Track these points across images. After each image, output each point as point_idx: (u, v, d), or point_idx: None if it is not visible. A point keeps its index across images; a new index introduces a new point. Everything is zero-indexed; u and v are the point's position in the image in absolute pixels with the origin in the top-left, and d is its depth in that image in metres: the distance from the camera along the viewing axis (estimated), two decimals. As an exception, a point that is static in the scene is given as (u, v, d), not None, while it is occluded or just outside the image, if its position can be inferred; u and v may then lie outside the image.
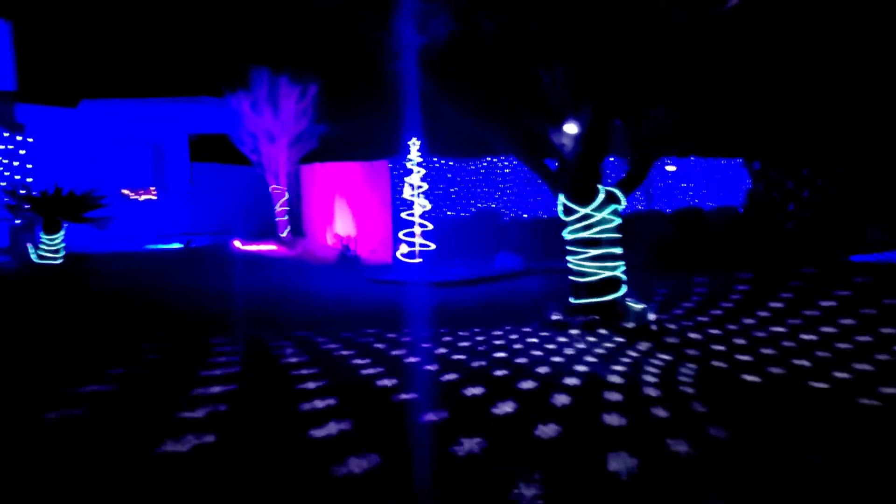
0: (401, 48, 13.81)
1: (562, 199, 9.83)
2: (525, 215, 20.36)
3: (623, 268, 9.88)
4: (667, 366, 7.91)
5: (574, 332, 9.38)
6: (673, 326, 10.01)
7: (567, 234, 9.90)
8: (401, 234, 16.59)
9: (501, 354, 7.82)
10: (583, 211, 9.60)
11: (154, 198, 26.14)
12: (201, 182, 26.98)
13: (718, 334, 9.74)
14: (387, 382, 6.20)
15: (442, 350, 8.03)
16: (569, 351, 8.23)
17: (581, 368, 7.33)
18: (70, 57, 24.56)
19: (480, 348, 8.21)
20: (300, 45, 21.60)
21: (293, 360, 7.15)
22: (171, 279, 15.40)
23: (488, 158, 19.86)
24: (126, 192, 25.59)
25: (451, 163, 18.97)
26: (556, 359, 7.74)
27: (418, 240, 16.47)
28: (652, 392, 6.66)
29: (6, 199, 17.66)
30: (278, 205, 26.08)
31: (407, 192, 16.38)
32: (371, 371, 6.75)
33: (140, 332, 9.15)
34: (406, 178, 16.55)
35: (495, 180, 19.94)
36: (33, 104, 20.85)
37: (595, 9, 8.69)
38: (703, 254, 15.93)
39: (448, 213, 18.43)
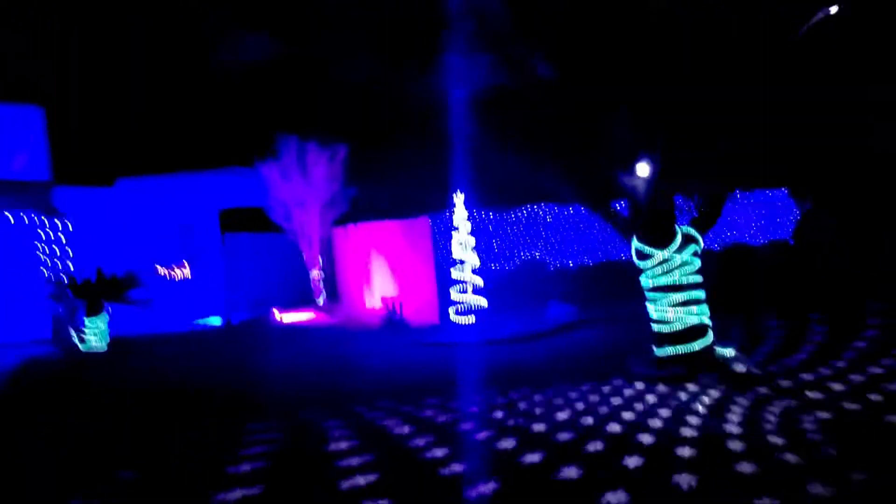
0: (442, 100, 13.66)
1: (636, 243, 9.35)
2: (571, 263, 19.87)
3: (708, 313, 9.31)
4: (784, 413, 7.30)
5: (663, 387, 8.77)
6: (761, 371, 9.37)
7: (645, 281, 9.38)
8: (452, 293, 16.13)
9: (589, 421, 7.26)
10: (661, 255, 9.10)
11: (188, 276, 26.05)
12: (235, 253, 26.89)
13: (813, 378, 9.08)
14: (456, 468, 5.75)
15: (517, 420, 7.51)
16: (666, 410, 7.62)
17: (690, 429, 6.75)
18: (104, 135, 24.90)
19: (561, 415, 7.65)
20: (330, 107, 21.71)
21: (343, 445, 6.72)
22: (212, 359, 15.05)
23: (528, 207, 19.51)
24: (162, 269, 25.56)
25: (490, 214, 18.63)
26: (657, 422, 7.15)
27: (470, 297, 15.97)
28: (778, 440, 6.23)
29: (50, 289, 17.57)
30: (313, 271, 25.88)
31: (456, 249, 15.98)
32: (438, 454, 6.26)
33: (178, 423, 8.74)
34: (453, 234, 16.17)
35: (537, 229, 19.55)
36: (70, 186, 20.99)
37: (661, 43, 8.38)
38: (756, 293, 15.36)
39: (493, 266, 17.99)
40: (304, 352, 15.49)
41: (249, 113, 24.64)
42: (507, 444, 6.61)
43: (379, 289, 21.14)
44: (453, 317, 16.10)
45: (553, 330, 15.33)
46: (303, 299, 25.95)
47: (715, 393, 8.34)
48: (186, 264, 25.97)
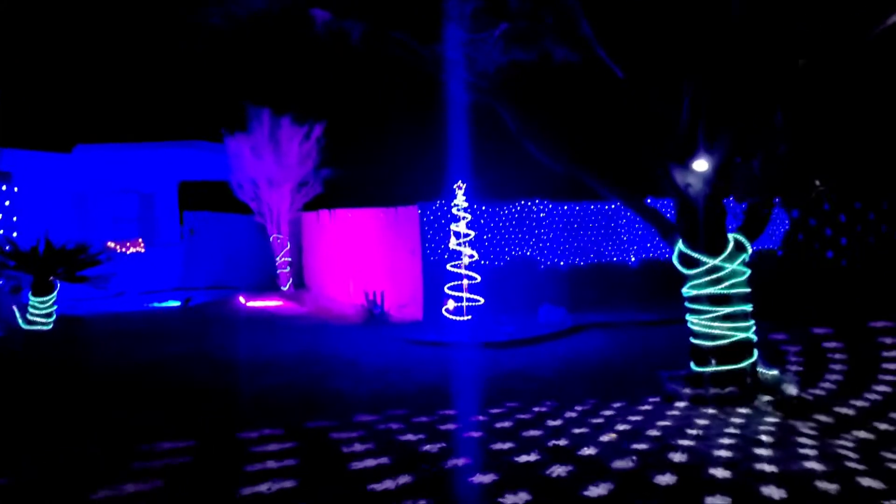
0: (441, 76, 12.60)
1: (682, 247, 8.51)
2: (562, 263, 19.06)
3: (754, 328, 8.54)
4: (862, 447, 6.56)
5: (711, 410, 7.96)
6: (805, 394, 8.67)
7: (690, 290, 8.54)
8: (446, 289, 15.12)
9: (643, 447, 6.37)
10: (711, 262, 8.27)
11: (142, 250, 24.42)
12: (196, 232, 25.35)
13: (866, 405, 8.42)
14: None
15: (558, 441, 6.58)
16: (728, 439, 6.79)
17: (766, 464, 5.92)
18: (64, 99, 23.11)
19: (603, 437, 6.75)
20: (308, 78, 20.40)
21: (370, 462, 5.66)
22: (171, 345, 13.74)
23: (522, 202, 18.62)
24: (112, 244, 23.88)
25: (483, 207, 17.67)
26: (723, 452, 6.30)
27: (465, 294, 15.00)
28: (872, 483, 5.54)
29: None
30: (280, 256, 24.57)
31: (452, 242, 14.97)
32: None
33: (138, 425, 7.54)
34: (452, 226, 15.16)
35: (530, 225, 18.68)
36: (21, 149, 19.26)
37: (736, 29, 7.52)
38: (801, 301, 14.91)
39: (482, 262, 17.05)
40: (275, 342, 14.30)
41: (219, 82, 23.13)
42: (560, 470, 5.67)
43: (357, 280, 20.01)
44: (446, 314, 15.10)
45: (551, 335, 14.48)
46: (268, 285, 24.63)
47: (772, 419, 7.56)
48: (140, 240, 24.36)
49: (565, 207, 19.31)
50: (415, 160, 18.16)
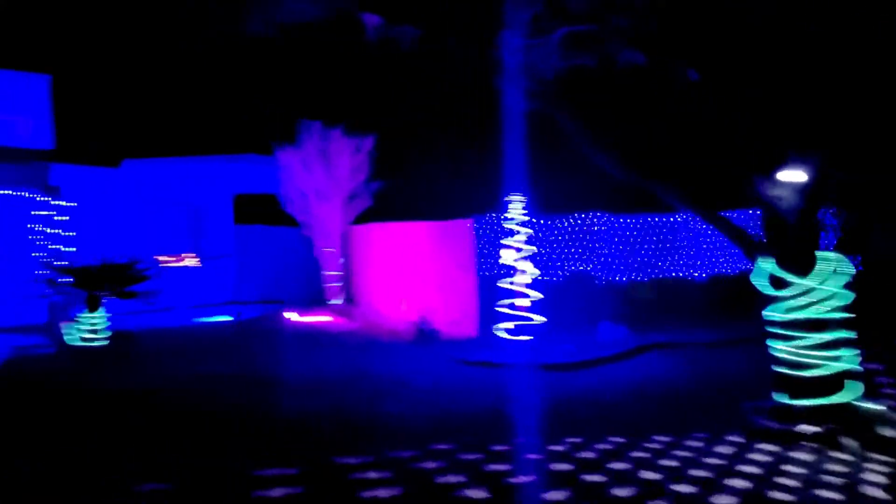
0: (495, 82, 11.98)
1: (770, 266, 7.67)
2: (622, 279, 18.19)
3: (858, 358, 7.64)
4: None
5: (806, 452, 7.09)
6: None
7: (777, 313, 7.69)
8: (502, 307, 14.44)
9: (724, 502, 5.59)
10: (805, 283, 7.42)
11: (196, 264, 24.40)
12: (246, 246, 25.27)
13: None
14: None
15: (626, 493, 5.82)
16: (831, 493, 5.94)
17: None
18: (113, 113, 23.30)
19: (680, 487, 5.97)
20: (359, 89, 20.05)
21: None
22: (220, 363, 13.41)
23: (577, 215, 17.86)
24: (164, 258, 23.91)
25: (537, 220, 16.95)
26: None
27: (523, 312, 14.29)
28: None
29: (46, 273, 15.91)
30: (329, 270, 24.25)
31: (509, 257, 14.28)
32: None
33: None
34: (507, 240, 14.48)
35: (586, 239, 17.89)
36: (73, 164, 19.35)
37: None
38: None
39: (537, 277, 16.32)
40: (323, 361, 13.85)
41: (269, 95, 23.00)
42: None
43: (407, 296, 19.49)
44: (500, 333, 14.41)
45: (615, 356, 13.65)
46: (317, 300, 24.29)
47: (885, 467, 6.65)
48: (192, 254, 24.35)
49: (623, 220, 18.46)
50: (467, 172, 17.59)
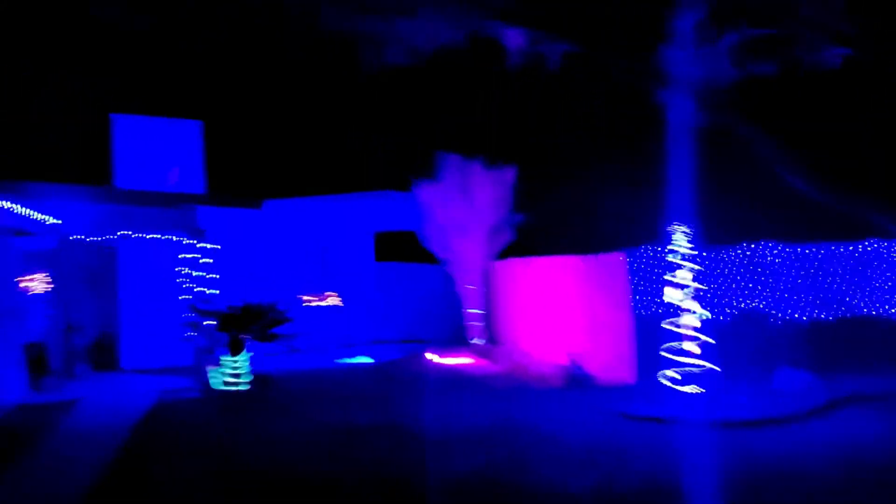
0: (667, 100, 10.70)
1: None
2: (803, 317, 15.97)
3: None
4: None
5: None
6: None
7: None
8: (665, 351, 12.91)
9: None
10: None
11: (337, 303, 24.44)
12: (387, 284, 25.08)
13: None
14: None
15: None
16: None
17: None
18: (255, 155, 24.06)
19: None
20: (500, 117, 19.30)
21: None
22: (360, 411, 12.81)
23: (747, 245, 15.96)
24: (307, 297, 24.12)
25: (700, 252, 15.23)
26: None
27: (691, 358, 12.68)
28: None
29: (192, 316, 16.21)
30: (472, 308, 23.43)
31: (673, 295, 12.78)
32: None
33: None
34: (669, 276, 13.00)
35: (758, 272, 15.90)
36: (218, 206, 19.91)
37: None
38: None
39: (703, 317, 14.57)
40: (466, 409, 12.92)
41: (407, 129, 22.80)
42: None
43: (555, 336, 18.27)
44: (663, 381, 12.85)
45: (809, 413, 11.70)
46: (459, 339, 23.51)
47: None
48: (333, 293, 24.40)
49: (803, 250, 16.30)
50: (620, 200, 16.23)
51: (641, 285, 15.13)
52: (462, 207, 22.77)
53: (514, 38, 11.04)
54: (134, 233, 18.57)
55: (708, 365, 12.56)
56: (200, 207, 19.15)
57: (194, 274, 17.70)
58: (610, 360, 15.61)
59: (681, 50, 9.63)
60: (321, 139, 24.65)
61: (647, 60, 9.26)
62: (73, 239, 17.94)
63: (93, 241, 18.45)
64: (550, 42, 9.75)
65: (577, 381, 15.37)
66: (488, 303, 24.16)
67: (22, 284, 18.92)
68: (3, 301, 14.05)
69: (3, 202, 12.92)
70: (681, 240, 12.82)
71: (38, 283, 18.61)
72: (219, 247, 17.70)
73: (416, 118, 21.71)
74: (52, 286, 18.91)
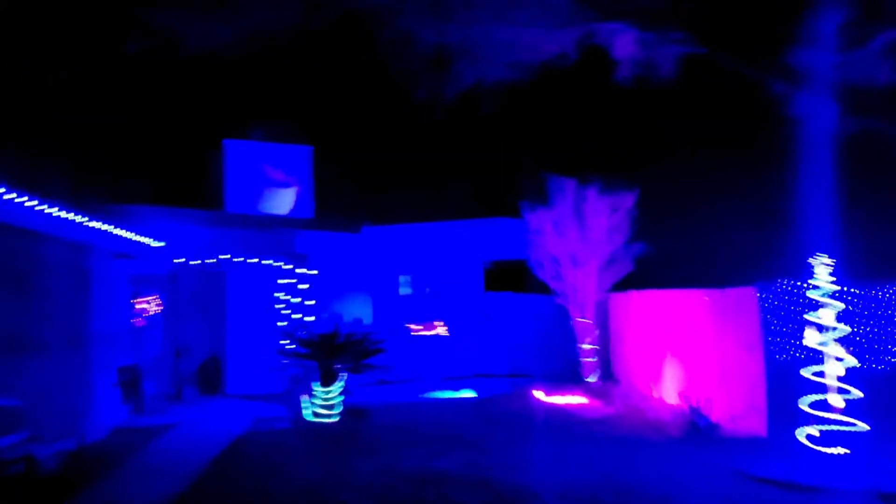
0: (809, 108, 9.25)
1: None
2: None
3: None
4: None
5: None
6: None
7: None
8: (804, 405, 11.17)
9: None
10: None
11: (443, 333, 23.75)
12: (495, 315, 24.14)
13: None
14: None
15: None
16: None
17: None
18: (356, 178, 23.98)
19: None
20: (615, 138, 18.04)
21: None
22: (448, 454, 11.89)
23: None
24: (414, 327, 23.59)
25: (849, 288, 13.28)
26: None
27: (837, 413, 10.89)
28: None
29: (287, 343, 15.96)
30: (584, 343, 22.02)
31: (813, 338, 11.07)
32: None
33: None
34: (809, 315, 11.30)
35: (921, 313, 13.70)
36: (314, 230, 19.78)
37: None
38: None
39: (853, 365, 12.62)
40: (571, 460, 11.69)
41: (517, 152, 21.90)
42: None
43: (675, 377, 16.66)
44: (802, 439, 11.10)
45: None
46: (570, 376, 22.15)
47: None
48: (439, 323, 23.75)
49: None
50: (751, 227, 14.57)
51: (776, 325, 13.36)
52: (576, 235, 21.55)
53: (625, 46, 9.99)
54: (242, 257, 18.70)
55: (856, 422, 10.71)
56: (299, 232, 19.07)
57: (292, 300, 17.53)
58: (737, 409, 13.88)
59: (824, 52, 8.28)
60: (425, 163, 24.25)
61: (780, 61, 7.97)
62: (185, 263, 18.26)
63: (203, 264, 18.73)
64: (664, 43, 8.62)
65: (698, 429, 13.76)
66: (603, 338, 22.67)
67: (137, 307, 19.51)
68: (99, 324, 14.25)
69: (105, 225, 13.07)
70: (823, 274, 11.09)
71: (149, 306, 19.10)
72: (315, 272, 17.44)
73: (526, 139, 20.77)
74: (163, 309, 19.36)
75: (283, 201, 22.34)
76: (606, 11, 8.95)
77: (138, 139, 21.73)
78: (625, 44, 9.49)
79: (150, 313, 19.51)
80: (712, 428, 13.76)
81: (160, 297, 19.29)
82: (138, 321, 19.27)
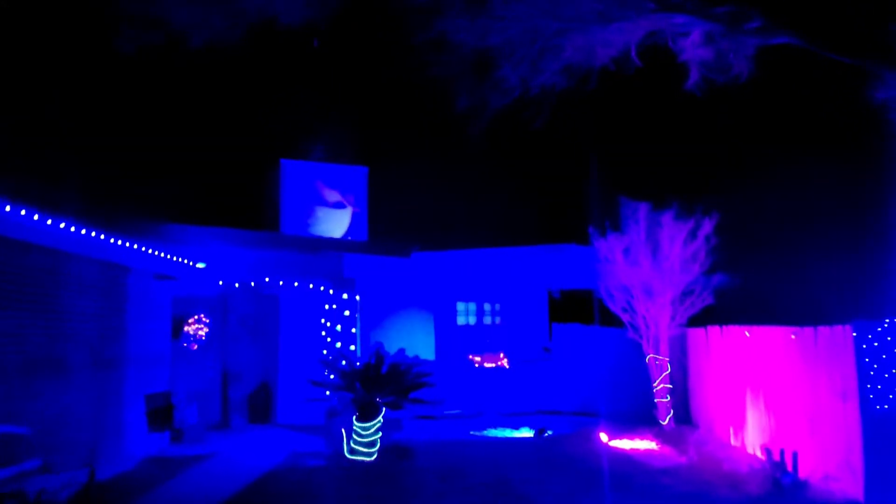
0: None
1: None
2: None
3: None
4: None
5: None
6: None
7: None
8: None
9: None
10: None
11: (504, 365, 22.64)
12: (560, 348, 22.87)
13: None
14: None
15: None
16: None
17: None
18: (408, 201, 23.32)
19: None
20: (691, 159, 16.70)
21: None
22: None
23: None
24: (477, 358, 22.57)
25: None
26: None
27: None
28: None
29: (327, 373, 15.26)
30: (657, 382, 20.48)
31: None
32: None
33: None
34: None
35: None
36: (363, 253, 19.11)
37: None
38: None
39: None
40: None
41: (582, 174, 20.78)
42: None
43: (757, 424, 15.07)
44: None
45: None
46: (642, 417, 20.62)
47: None
48: (500, 355, 22.65)
49: None
50: (849, 258, 13.04)
51: (875, 370, 11.76)
52: (650, 264, 20.17)
53: (693, 44, 8.86)
54: (295, 281, 18.21)
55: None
56: (348, 255, 18.44)
57: (337, 328, 16.85)
58: (829, 466, 12.24)
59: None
60: (484, 185, 23.39)
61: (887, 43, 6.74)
62: (235, 285, 17.88)
63: (255, 287, 18.30)
64: (738, 34, 7.46)
65: (780, 488, 12.19)
66: (678, 376, 21.08)
67: (187, 330, 19.24)
68: (135, 347, 13.89)
69: (139, 245, 12.71)
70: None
71: (194, 329, 18.80)
72: (357, 297, 16.72)
73: (595, 157, 19.64)
74: (211, 332, 19.04)
75: (338, 223, 21.90)
76: (667, 2, 7.89)
77: (180, 156, 21.77)
78: (692, 41, 8.37)
79: (199, 336, 19.22)
80: (798, 486, 12.18)
81: (209, 320, 18.98)
82: (192, 345, 19.01)
